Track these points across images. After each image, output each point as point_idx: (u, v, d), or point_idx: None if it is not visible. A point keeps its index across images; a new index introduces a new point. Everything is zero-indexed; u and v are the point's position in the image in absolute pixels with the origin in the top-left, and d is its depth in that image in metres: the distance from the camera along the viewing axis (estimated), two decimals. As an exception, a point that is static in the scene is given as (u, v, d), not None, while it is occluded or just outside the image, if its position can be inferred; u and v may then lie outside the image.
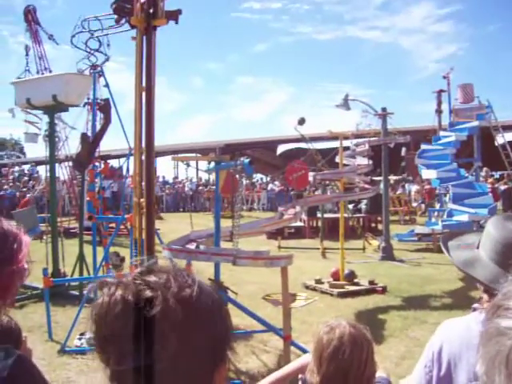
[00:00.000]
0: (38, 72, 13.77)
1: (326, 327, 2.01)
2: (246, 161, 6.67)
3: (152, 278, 0.97)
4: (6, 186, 27.15)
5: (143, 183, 6.13)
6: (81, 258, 10.19)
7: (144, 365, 0.90)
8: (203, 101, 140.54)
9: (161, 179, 34.70)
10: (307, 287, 10.28)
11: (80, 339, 7.14)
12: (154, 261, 1.04)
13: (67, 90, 9.77)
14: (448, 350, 1.89)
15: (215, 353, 1.00)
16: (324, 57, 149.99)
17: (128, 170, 11.12)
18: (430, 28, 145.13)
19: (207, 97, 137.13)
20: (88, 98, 11.12)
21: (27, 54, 13.52)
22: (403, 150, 20.45)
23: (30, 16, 13.72)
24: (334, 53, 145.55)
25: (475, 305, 1.93)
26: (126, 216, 8.41)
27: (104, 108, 10.16)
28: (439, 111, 18.33)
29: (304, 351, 5.79)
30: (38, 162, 29.92)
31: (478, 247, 1.95)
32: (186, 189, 33.12)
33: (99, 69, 10.61)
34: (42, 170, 25.87)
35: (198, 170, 29.96)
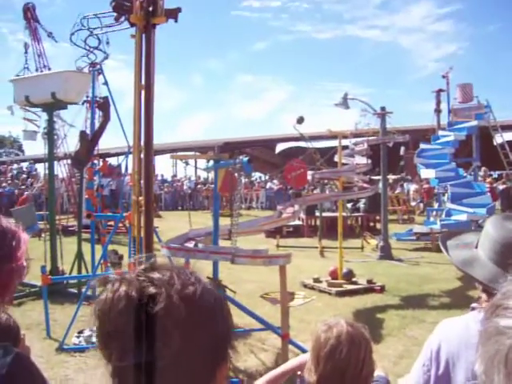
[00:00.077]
0: (36, 70, 13.77)
1: (324, 326, 2.01)
2: (245, 159, 6.68)
3: (156, 275, 0.97)
4: (4, 184, 27.16)
5: (142, 181, 6.13)
6: (79, 255, 10.18)
7: (146, 361, 0.91)
8: (202, 99, 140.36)
9: (159, 177, 34.68)
10: (305, 286, 10.28)
11: (78, 337, 7.14)
12: (153, 257, 1.05)
13: (66, 87, 9.75)
14: (446, 349, 1.89)
15: (217, 351, 1.00)
16: (323, 55, 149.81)
17: (127, 168, 11.13)
18: (429, 27, 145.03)
19: (206, 95, 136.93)
20: (87, 96, 11.11)
21: (26, 52, 13.53)
22: (402, 149, 20.45)
23: (30, 14, 13.71)
24: (333, 52, 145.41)
25: (474, 304, 1.93)
26: (124, 214, 8.39)
27: (103, 106, 10.15)
28: (438, 111, 18.36)
29: (302, 350, 5.79)
30: (37, 160, 29.85)
31: (476, 247, 1.95)
32: (185, 187, 33.09)
33: (98, 67, 10.60)
34: (41, 168, 25.81)
35: (196, 168, 30.01)
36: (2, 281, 1.48)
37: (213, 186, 7.61)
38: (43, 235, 11.22)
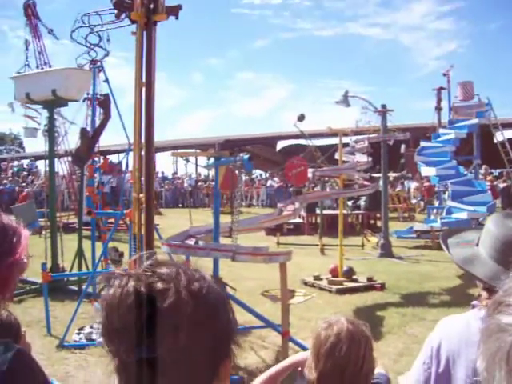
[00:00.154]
0: (37, 67, 13.73)
1: (325, 323, 2.01)
2: (246, 157, 6.68)
3: (164, 270, 0.98)
4: (5, 181, 27.12)
5: (142, 178, 6.13)
6: (80, 253, 10.19)
7: (153, 357, 0.91)
8: (203, 96, 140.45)
9: (160, 175, 34.69)
10: (306, 283, 10.29)
11: (79, 334, 7.16)
12: (154, 254, 1.05)
13: (67, 84, 9.75)
14: (447, 346, 1.89)
15: (221, 347, 1.00)
16: (324, 53, 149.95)
17: (127, 165, 11.11)
18: (430, 25, 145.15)
19: (207, 92, 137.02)
20: (88, 93, 11.08)
21: (27, 49, 13.48)
22: (403, 147, 20.44)
23: (30, 10, 13.67)
24: (334, 49, 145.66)
25: (474, 302, 1.93)
26: (125, 211, 8.39)
27: (104, 103, 10.14)
28: (439, 108, 18.35)
29: (302, 347, 5.80)
30: (38, 157, 29.89)
31: (477, 244, 1.95)
32: (185, 184, 33.09)
33: (99, 64, 10.57)
34: (42, 165, 25.84)
35: (197, 165, 29.94)
36: (3, 276, 1.48)
37: (213, 183, 7.61)
38: (44, 232, 11.22)
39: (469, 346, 1.78)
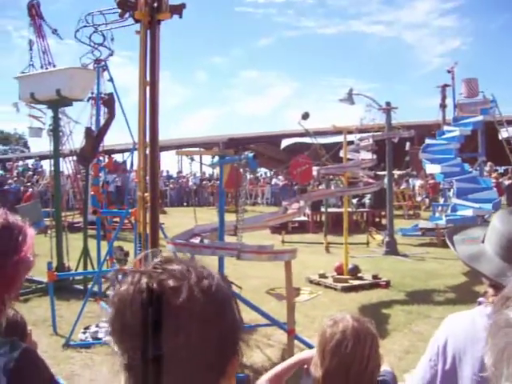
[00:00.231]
0: (41, 66, 13.78)
1: (330, 321, 2.02)
2: (250, 155, 6.68)
3: (175, 267, 0.98)
4: (10, 181, 27.19)
5: (147, 177, 6.13)
6: (85, 252, 10.22)
7: (164, 354, 0.91)
8: (207, 95, 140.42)
9: (165, 174, 34.73)
10: (311, 281, 10.29)
11: (84, 333, 7.17)
12: (157, 250, 1.05)
13: (71, 84, 9.77)
14: (453, 343, 1.89)
15: (229, 344, 1.01)
16: (328, 51, 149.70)
17: (132, 164, 11.16)
18: (433, 22, 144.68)
19: (211, 91, 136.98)
20: (92, 93, 11.12)
21: (31, 49, 13.53)
22: (407, 144, 20.38)
23: (34, 10, 13.70)
24: (337, 47, 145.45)
25: (480, 299, 1.93)
26: (130, 210, 8.40)
27: (108, 102, 10.16)
28: (443, 106, 18.30)
29: (308, 345, 5.80)
30: (42, 157, 29.91)
31: (483, 241, 1.94)
32: (190, 183, 33.12)
33: (103, 63, 10.61)
34: (46, 165, 25.87)
35: (201, 164, 29.96)
36: (10, 274, 1.49)
37: (218, 182, 7.61)
38: (49, 232, 11.25)
39: (475, 343, 1.77)
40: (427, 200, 25.43)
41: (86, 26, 9.68)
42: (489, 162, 20.74)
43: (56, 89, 9.55)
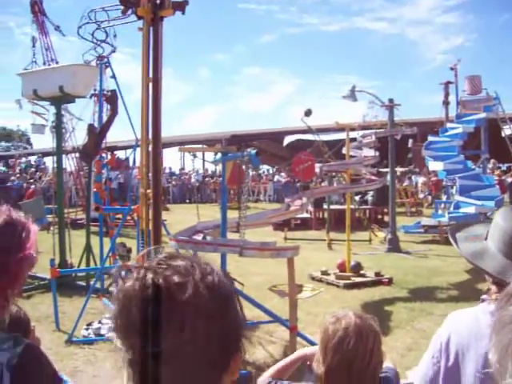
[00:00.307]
0: (44, 63, 13.80)
1: (333, 318, 2.02)
2: (253, 152, 6.67)
3: (179, 263, 0.98)
4: (13, 178, 27.22)
5: (150, 174, 6.14)
6: (88, 248, 10.22)
7: (169, 350, 0.91)
8: (210, 92, 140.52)
9: (167, 170, 34.73)
10: (313, 278, 10.28)
11: (87, 329, 7.19)
12: (160, 247, 1.05)
13: (74, 81, 9.77)
14: (456, 340, 1.89)
15: (232, 341, 1.01)
16: (331, 48, 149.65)
17: (135, 160, 11.13)
18: (437, 19, 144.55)
19: (214, 88, 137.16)
20: (95, 89, 11.10)
21: (34, 46, 13.55)
22: (410, 141, 20.35)
23: (37, 7, 13.73)
24: (340, 44, 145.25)
25: (484, 296, 1.92)
26: (132, 207, 8.41)
27: (111, 99, 10.15)
28: (446, 103, 18.24)
29: (310, 342, 5.81)
30: (45, 153, 29.97)
31: (486, 239, 1.94)
32: (193, 180, 33.14)
33: (106, 60, 10.59)
34: (49, 161, 25.97)
35: (204, 161, 29.99)
36: (13, 270, 1.50)
37: (220, 178, 7.62)
38: (52, 228, 11.26)
39: (478, 340, 1.77)
40: (430, 197, 25.43)
41: (88, 23, 9.67)
42: (492, 159, 20.70)
43: (59, 85, 9.56)
